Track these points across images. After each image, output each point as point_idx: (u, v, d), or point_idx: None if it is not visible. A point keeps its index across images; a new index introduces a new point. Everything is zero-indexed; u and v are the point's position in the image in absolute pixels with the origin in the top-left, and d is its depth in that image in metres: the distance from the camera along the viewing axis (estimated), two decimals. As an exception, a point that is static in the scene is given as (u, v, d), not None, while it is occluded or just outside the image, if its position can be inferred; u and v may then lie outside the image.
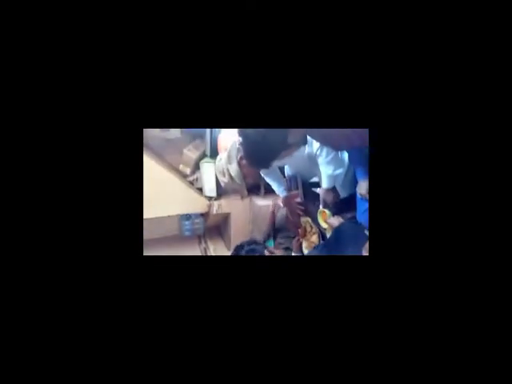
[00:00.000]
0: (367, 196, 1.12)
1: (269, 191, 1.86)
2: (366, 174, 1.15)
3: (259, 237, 1.66)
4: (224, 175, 1.25)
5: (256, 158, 0.99)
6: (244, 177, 1.22)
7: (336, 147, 1.16)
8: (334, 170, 1.30)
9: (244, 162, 1.19)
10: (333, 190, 1.35)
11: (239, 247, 1.41)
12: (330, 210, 1.37)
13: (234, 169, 1.20)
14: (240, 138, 1.02)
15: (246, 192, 1.53)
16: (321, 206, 1.40)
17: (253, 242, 1.45)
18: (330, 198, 1.36)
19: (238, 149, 1.21)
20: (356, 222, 1.25)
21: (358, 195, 1.18)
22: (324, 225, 1.40)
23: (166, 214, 2.07)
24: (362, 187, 1.14)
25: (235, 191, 1.71)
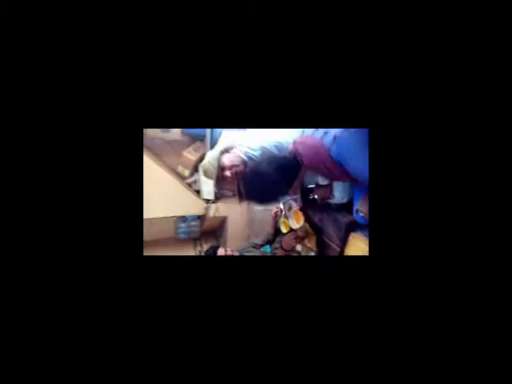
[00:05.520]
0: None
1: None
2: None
3: (257, 241, 1.64)
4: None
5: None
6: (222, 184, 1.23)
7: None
8: None
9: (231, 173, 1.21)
10: (327, 186, 1.34)
11: None
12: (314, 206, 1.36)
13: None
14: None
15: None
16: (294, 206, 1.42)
17: None
18: (321, 193, 1.36)
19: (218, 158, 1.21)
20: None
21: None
22: (296, 225, 1.39)
23: (161, 216, 2.04)
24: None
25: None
